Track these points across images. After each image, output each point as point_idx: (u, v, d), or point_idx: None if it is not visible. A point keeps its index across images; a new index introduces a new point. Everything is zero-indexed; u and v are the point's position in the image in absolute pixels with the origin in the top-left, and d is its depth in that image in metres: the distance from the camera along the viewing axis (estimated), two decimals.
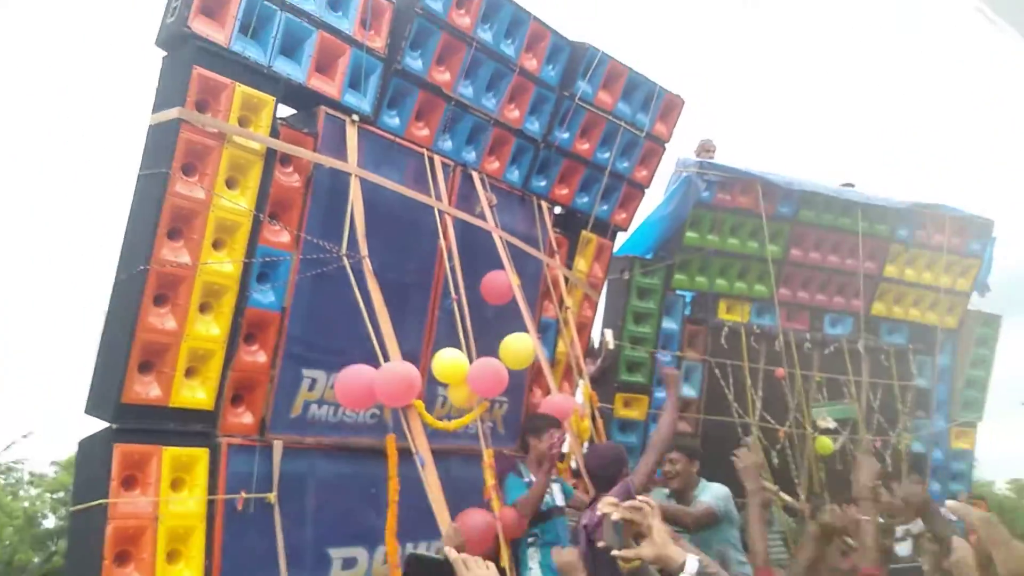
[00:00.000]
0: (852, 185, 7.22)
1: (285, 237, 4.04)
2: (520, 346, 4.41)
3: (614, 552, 1.98)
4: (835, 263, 7.10)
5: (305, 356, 4.21)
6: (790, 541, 5.80)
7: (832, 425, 6.90)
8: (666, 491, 4.82)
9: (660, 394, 6.49)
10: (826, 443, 6.70)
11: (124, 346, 3.48)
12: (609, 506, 2.04)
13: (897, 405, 7.37)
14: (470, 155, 4.90)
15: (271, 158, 3.91)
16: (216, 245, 3.78)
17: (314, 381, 4.26)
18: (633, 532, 1.98)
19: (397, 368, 3.75)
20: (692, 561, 1.87)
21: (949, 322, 7.77)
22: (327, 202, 4.17)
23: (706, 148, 6.80)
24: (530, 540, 4.19)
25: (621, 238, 6.23)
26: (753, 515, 3.97)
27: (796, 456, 6.69)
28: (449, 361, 4.02)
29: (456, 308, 4.29)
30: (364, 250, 3.96)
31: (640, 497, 2.01)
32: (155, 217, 3.54)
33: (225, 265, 3.76)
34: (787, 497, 5.97)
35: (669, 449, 4.49)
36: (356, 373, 3.79)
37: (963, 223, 7.53)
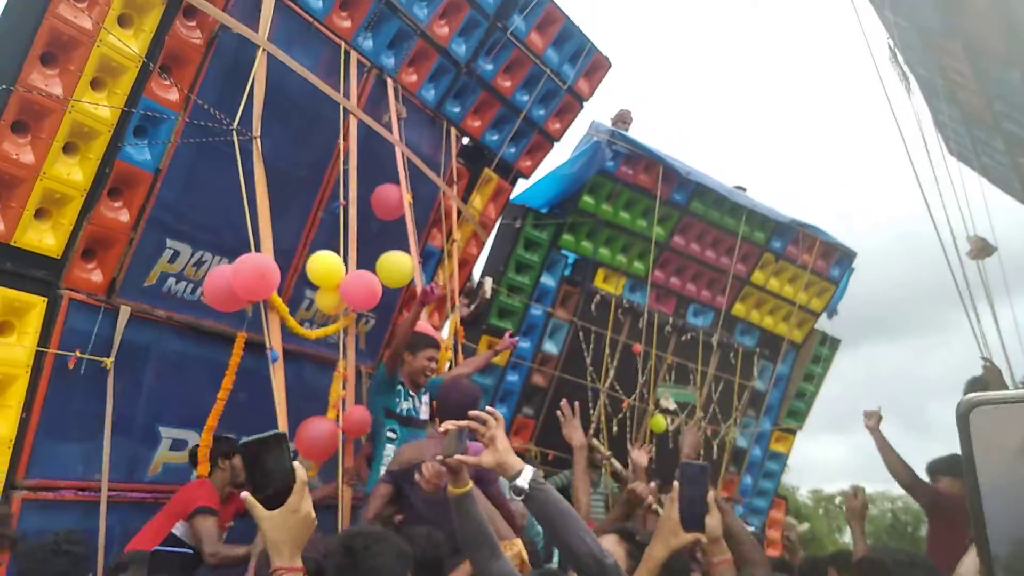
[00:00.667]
0: (744, 189, 7.56)
1: (174, 95, 3.76)
2: (399, 264, 4.35)
3: (457, 457, 2.03)
4: (711, 258, 7.45)
5: (172, 226, 3.98)
6: (611, 504, 6.14)
7: (672, 406, 7.32)
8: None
9: (524, 344, 6.64)
10: (661, 421, 7.09)
11: None
12: (451, 423, 2.08)
13: (733, 400, 7.90)
14: (389, 61, 4.73)
15: (174, 6, 3.61)
16: (95, 84, 3.47)
17: (176, 253, 4.04)
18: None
19: (252, 260, 3.58)
20: (528, 471, 1.98)
21: (796, 335, 8.36)
22: (227, 70, 3.90)
23: (623, 119, 6.89)
24: (390, 436, 4.18)
25: (520, 186, 6.26)
26: (578, 470, 4.21)
27: (633, 428, 7.05)
28: (325, 263, 3.91)
29: (342, 213, 4.17)
30: (257, 130, 3.75)
31: (488, 408, 2.07)
32: (30, 36, 3.20)
33: (101, 108, 3.47)
34: (617, 464, 6.29)
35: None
36: (221, 273, 3.63)
37: (830, 249, 8.08)
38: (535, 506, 2.02)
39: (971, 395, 0.40)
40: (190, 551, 3.67)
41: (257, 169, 3.75)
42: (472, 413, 2.02)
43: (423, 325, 4.73)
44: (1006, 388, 4.14)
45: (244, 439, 1.50)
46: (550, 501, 2.01)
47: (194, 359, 4.22)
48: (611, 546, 2.26)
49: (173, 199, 3.92)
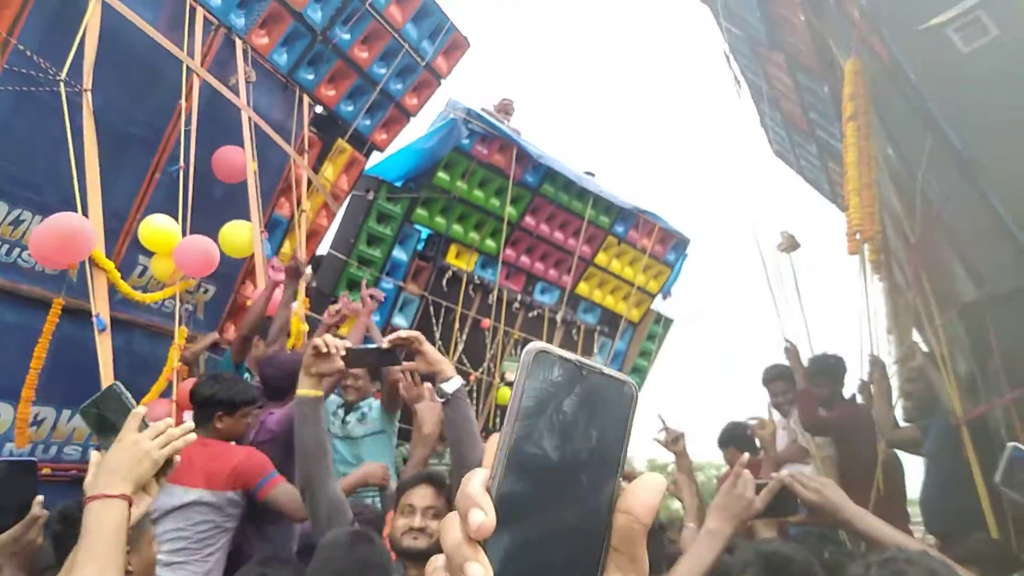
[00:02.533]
0: (592, 175, 7.90)
1: None
2: (241, 233, 4.24)
3: (407, 364, 2.21)
4: (559, 239, 7.74)
5: None
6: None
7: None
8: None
9: (373, 317, 6.64)
10: (506, 393, 7.36)
11: None
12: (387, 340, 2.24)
13: None
14: (239, 20, 4.55)
15: None
16: None
17: None
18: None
19: (59, 221, 3.33)
20: (457, 380, 2.19)
21: (634, 315, 8.89)
22: (54, 15, 3.62)
23: (505, 109, 7.01)
24: None
25: (375, 159, 6.22)
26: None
27: (481, 400, 7.26)
28: (159, 228, 3.75)
29: (181, 176, 3.99)
30: (88, 82, 3.51)
31: (407, 331, 2.21)
32: None
33: None
34: None
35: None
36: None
37: (667, 235, 8.63)
38: (452, 412, 2.19)
39: (541, 343, 0.54)
40: None
41: (87, 124, 3.52)
42: (398, 333, 2.20)
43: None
44: (803, 367, 4.66)
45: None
46: (463, 413, 2.20)
47: (8, 326, 3.92)
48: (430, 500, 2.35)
49: None
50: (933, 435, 3.98)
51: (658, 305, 9.19)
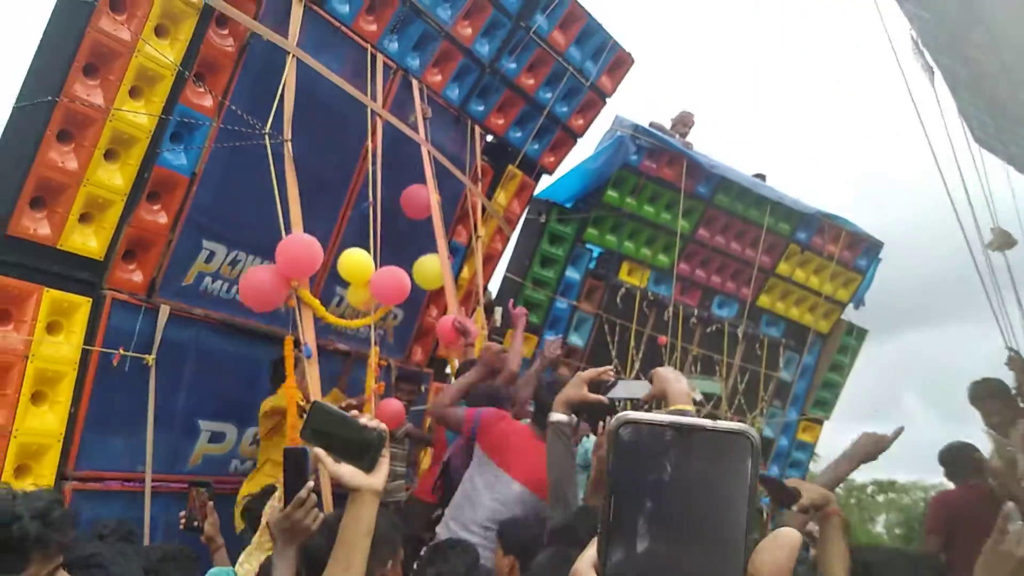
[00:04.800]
0: (763, 176, 7.55)
1: (208, 102, 3.91)
2: (432, 266, 4.49)
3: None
4: (736, 250, 7.46)
5: (208, 227, 4.14)
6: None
7: (698, 397, 7.32)
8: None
9: (549, 336, 6.74)
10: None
11: (18, 178, 3.32)
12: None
13: (759, 391, 7.92)
14: (414, 62, 4.84)
15: (207, 15, 3.75)
16: (133, 93, 3.62)
17: (212, 253, 4.20)
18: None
19: (293, 239, 3.72)
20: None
21: (822, 326, 8.34)
22: (258, 76, 4.04)
23: (684, 121, 6.95)
24: None
25: (544, 181, 6.34)
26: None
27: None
28: (357, 260, 4.05)
29: (371, 212, 4.28)
30: (288, 133, 3.88)
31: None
32: (73, 49, 3.35)
33: (140, 116, 3.62)
34: None
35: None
36: (254, 275, 3.79)
37: (856, 239, 8.04)
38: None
39: (623, 413, 0.49)
40: None
41: (288, 171, 3.88)
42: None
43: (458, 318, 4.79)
44: None
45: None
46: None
47: (230, 355, 4.38)
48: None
49: (208, 201, 4.07)
50: None
51: (850, 315, 8.57)
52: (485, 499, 3.29)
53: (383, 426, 1.62)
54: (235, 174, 4.08)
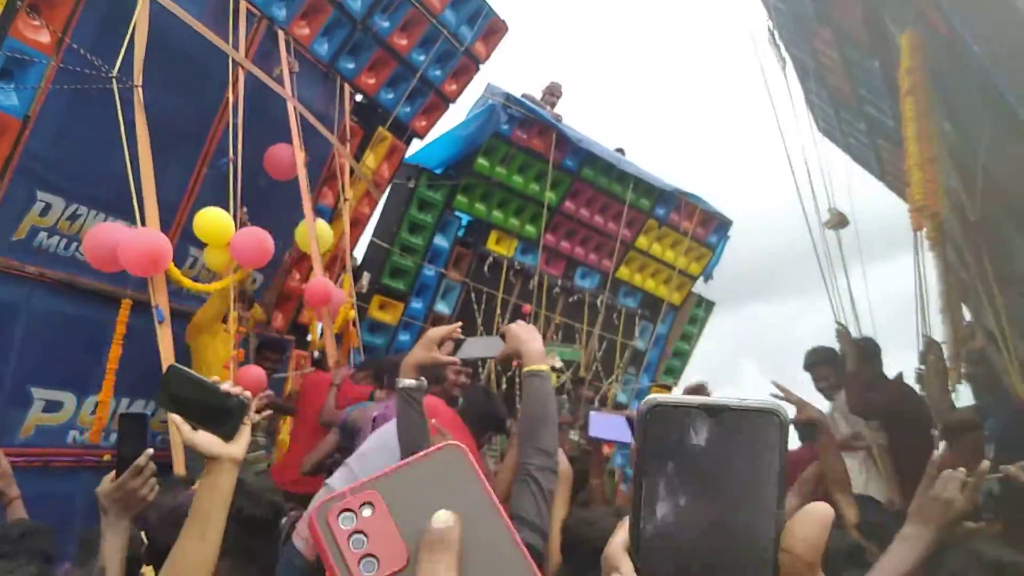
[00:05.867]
0: (622, 151, 7.78)
1: (45, 37, 3.51)
2: (322, 231, 4.33)
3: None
4: (599, 223, 7.69)
5: (43, 177, 3.74)
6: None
7: (559, 364, 7.57)
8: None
9: (416, 304, 6.70)
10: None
11: None
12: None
13: (616, 358, 8.28)
14: (280, 12, 4.57)
15: None
16: None
17: (48, 206, 3.81)
18: None
19: (144, 238, 3.46)
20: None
21: (675, 298, 8.81)
22: (106, 13, 3.67)
23: (553, 92, 6.96)
24: None
25: (415, 146, 6.23)
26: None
27: (522, 383, 7.27)
28: (215, 220, 3.81)
29: (231, 169, 4.04)
30: (139, 79, 3.56)
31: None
32: None
33: None
34: None
35: None
36: (105, 233, 3.48)
37: (709, 216, 8.51)
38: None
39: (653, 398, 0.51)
40: None
41: (139, 119, 3.58)
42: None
43: (319, 282, 4.66)
44: (855, 349, 4.57)
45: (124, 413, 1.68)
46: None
47: (68, 317, 4.02)
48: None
49: (43, 149, 3.68)
50: (996, 417, 3.88)
51: (699, 288, 9.10)
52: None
53: (247, 393, 1.55)
54: (76, 120, 3.71)
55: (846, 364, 4.51)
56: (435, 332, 2.37)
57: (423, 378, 2.43)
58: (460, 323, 2.58)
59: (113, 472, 1.77)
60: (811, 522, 0.46)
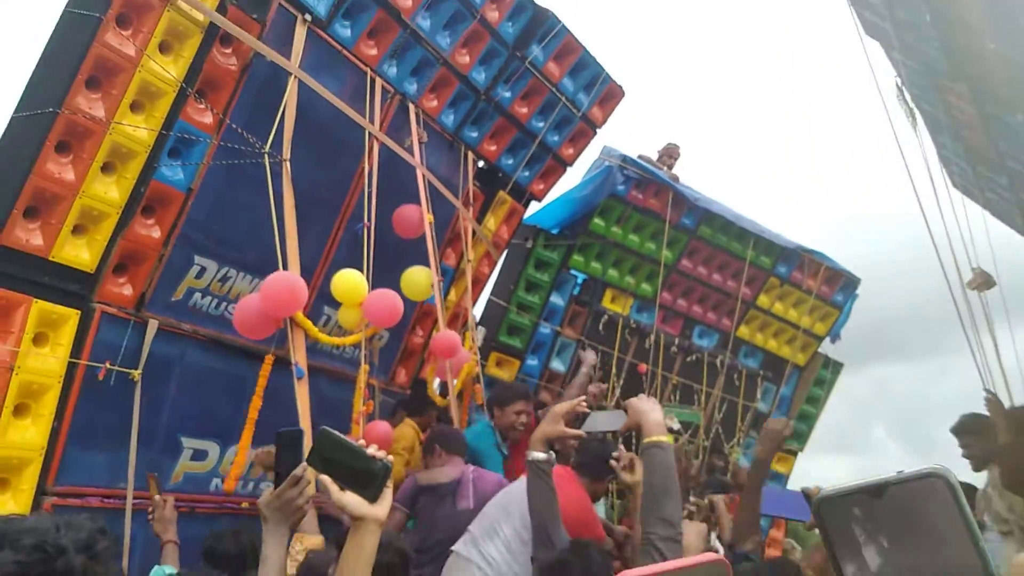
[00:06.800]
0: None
1: (208, 119, 3.91)
2: (421, 277, 4.51)
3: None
4: (717, 281, 7.57)
5: (201, 243, 4.12)
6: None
7: (676, 426, 7.39)
8: None
9: (531, 361, 6.77)
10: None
11: (13, 187, 3.30)
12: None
13: (737, 421, 8.00)
14: (411, 87, 4.88)
15: (212, 33, 3.76)
16: (134, 107, 3.62)
17: (203, 269, 4.18)
18: None
19: (281, 278, 3.72)
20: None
21: (799, 358, 8.47)
22: (259, 95, 4.06)
23: (671, 153, 7.06)
24: None
25: (533, 208, 6.40)
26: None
27: (636, 446, 7.15)
28: (350, 282, 4.05)
29: (365, 234, 4.30)
30: (287, 153, 3.89)
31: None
32: (77, 61, 3.35)
33: (140, 130, 3.62)
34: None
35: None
36: (248, 301, 3.79)
37: (834, 274, 8.20)
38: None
39: (820, 492, 0.52)
40: None
41: (286, 190, 3.89)
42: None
43: (444, 335, 4.80)
44: (1008, 420, 4.24)
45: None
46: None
47: (216, 372, 4.34)
48: None
49: (202, 217, 4.06)
50: None
51: (826, 348, 8.71)
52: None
53: (390, 457, 1.65)
54: (230, 191, 4.08)
55: (997, 435, 4.20)
56: (561, 407, 2.46)
57: (551, 452, 2.50)
58: (584, 397, 2.63)
59: (272, 486, 1.93)
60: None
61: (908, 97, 4.89)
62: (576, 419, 2.62)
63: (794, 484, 10.74)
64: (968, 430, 4.41)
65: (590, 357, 6.13)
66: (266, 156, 3.83)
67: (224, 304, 4.32)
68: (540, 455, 2.57)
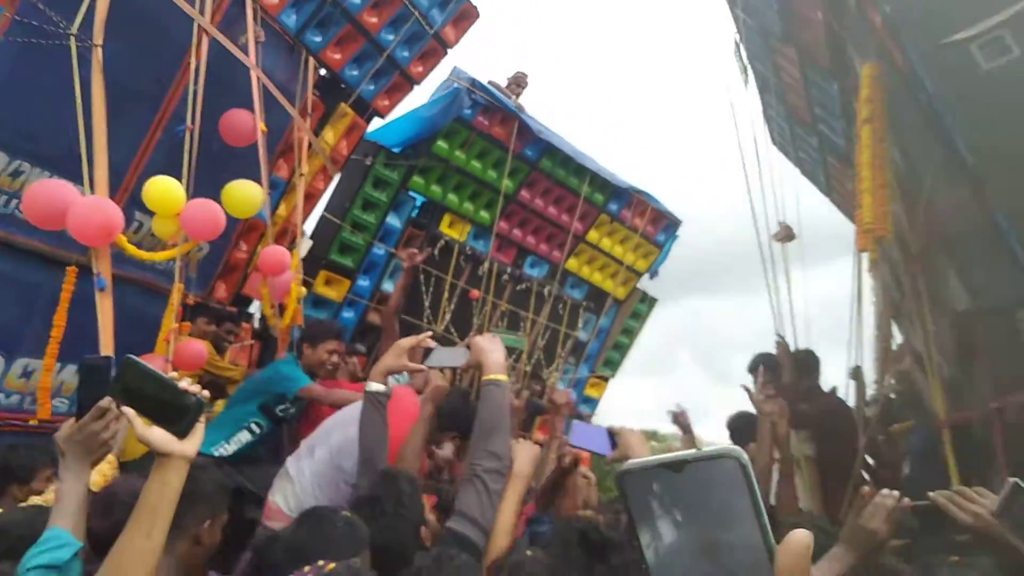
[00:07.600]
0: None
1: None
2: (248, 194, 4.18)
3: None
4: (552, 214, 7.74)
5: None
6: None
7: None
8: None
9: (363, 282, 6.64)
10: None
11: None
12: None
13: (558, 348, 8.39)
14: None
15: None
16: None
17: None
18: None
19: (98, 208, 3.32)
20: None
21: (620, 292, 8.95)
22: None
23: (519, 81, 6.92)
24: (253, 429, 4.11)
25: (374, 124, 6.15)
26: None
27: (480, 390, 7.32)
28: (167, 189, 3.69)
29: (188, 137, 3.92)
30: (99, 38, 3.42)
31: None
32: None
33: None
34: None
35: None
36: (51, 191, 3.32)
37: (660, 215, 8.66)
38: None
39: (625, 464, 0.58)
40: None
41: (96, 81, 3.43)
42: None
43: (272, 251, 4.56)
44: (792, 361, 4.75)
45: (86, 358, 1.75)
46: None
47: (4, 277, 3.86)
48: None
49: None
50: (915, 434, 4.10)
51: (644, 284, 9.26)
52: None
53: (205, 393, 1.56)
54: (27, 74, 3.54)
55: (783, 374, 4.68)
56: (405, 341, 2.44)
57: (390, 384, 2.48)
58: (430, 333, 2.62)
59: (73, 418, 1.74)
60: (790, 552, 0.53)
61: (744, 55, 5.15)
62: (420, 354, 2.61)
63: (605, 408, 11.57)
64: (759, 365, 4.87)
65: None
66: (72, 39, 3.34)
67: (14, 201, 3.81)
68: (379, 387, 2.54)
